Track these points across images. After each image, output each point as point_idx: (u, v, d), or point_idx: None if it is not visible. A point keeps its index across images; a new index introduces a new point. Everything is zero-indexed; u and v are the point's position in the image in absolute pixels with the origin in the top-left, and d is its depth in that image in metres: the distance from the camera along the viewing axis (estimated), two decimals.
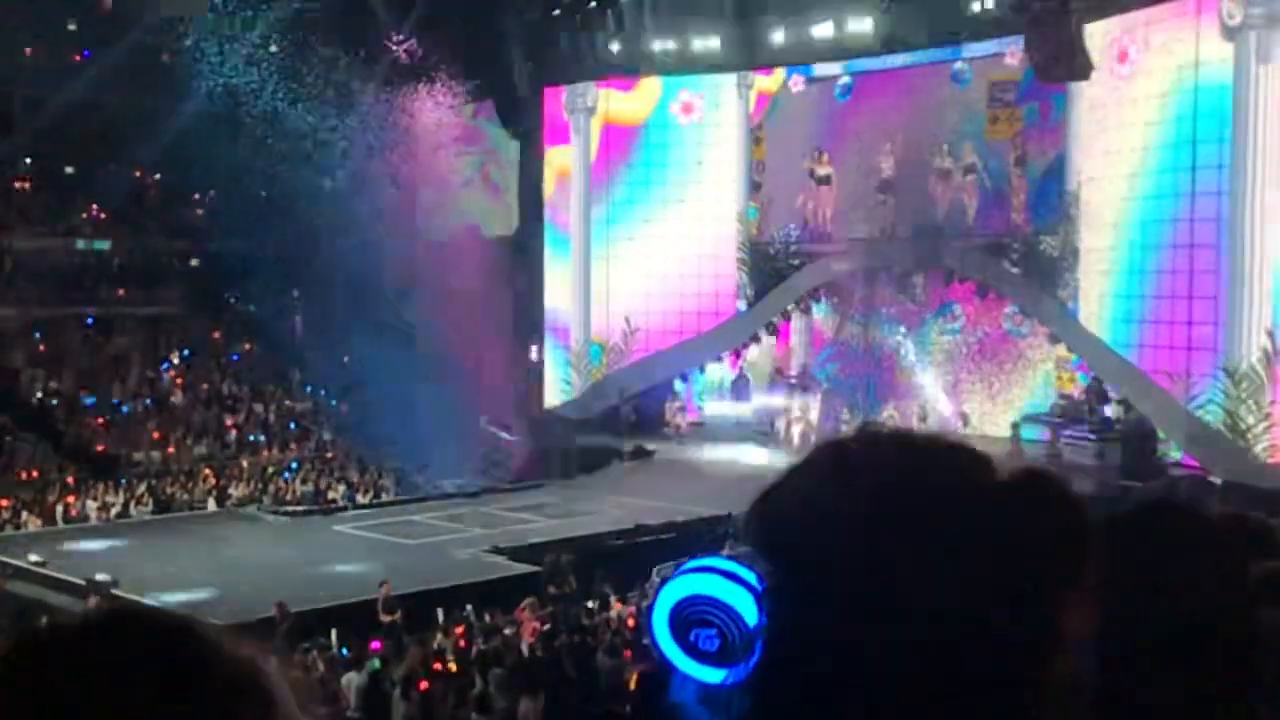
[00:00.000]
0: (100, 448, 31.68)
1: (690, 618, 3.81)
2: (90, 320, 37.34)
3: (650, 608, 4.07)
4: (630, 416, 32.66)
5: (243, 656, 0.99)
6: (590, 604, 18.12)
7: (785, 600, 1.13)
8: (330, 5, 34.19)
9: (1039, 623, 1.09)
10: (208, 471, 30.97)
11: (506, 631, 16.45)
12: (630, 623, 16.25)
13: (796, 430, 31.24)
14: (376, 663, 14.50)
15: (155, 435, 32.75)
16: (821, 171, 32.16)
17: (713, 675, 3.73)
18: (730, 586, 3.71)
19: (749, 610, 3.58)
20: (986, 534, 1.09)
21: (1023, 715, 1.08)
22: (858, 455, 1.15)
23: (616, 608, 17.75)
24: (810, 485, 1.15)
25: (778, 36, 31.74)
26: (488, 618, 17.43)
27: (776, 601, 1.14)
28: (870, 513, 1.10)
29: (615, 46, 33.38)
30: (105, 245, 39.28)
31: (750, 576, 3.60)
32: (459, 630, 16.84)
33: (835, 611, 1.09)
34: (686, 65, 33.10)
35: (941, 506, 1.09)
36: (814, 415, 31.26)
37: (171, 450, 32.15)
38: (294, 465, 32.38)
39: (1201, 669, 1.67)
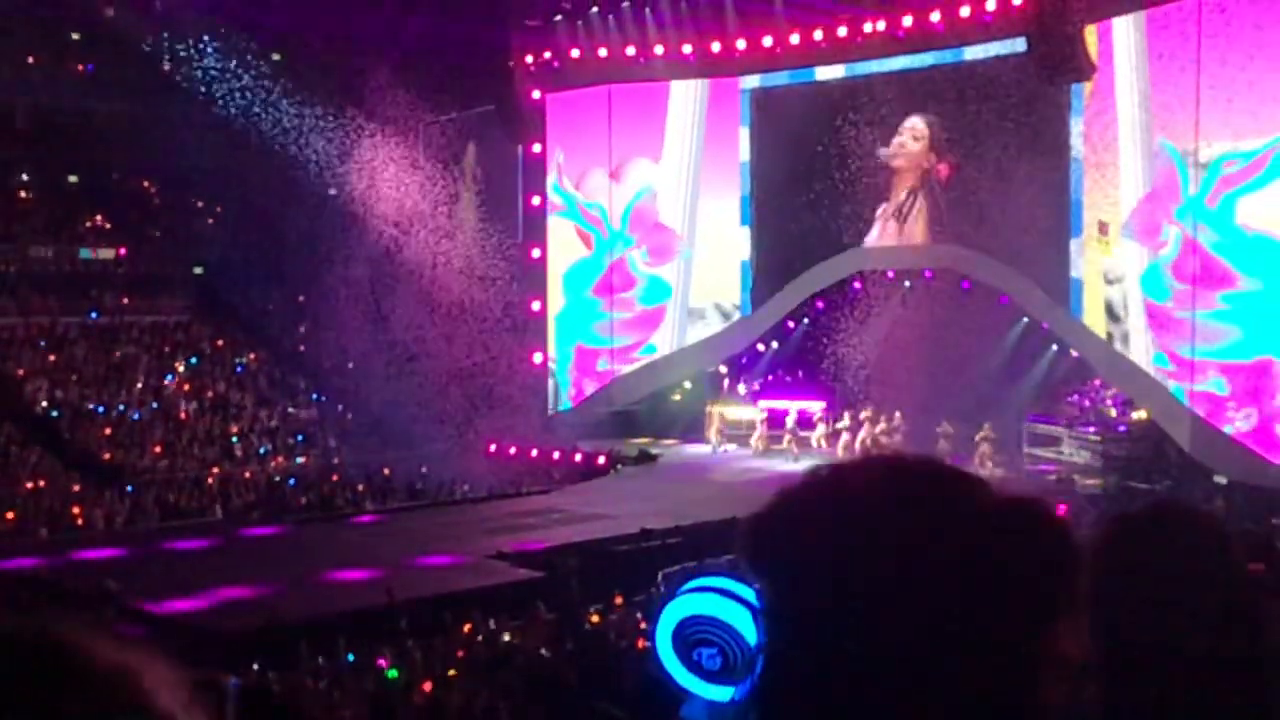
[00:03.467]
0: (106, 456, 31.70)
1: (692, 637, 3.87)
2: (95, 329, 37.37)
3: (653, 629, 4.13)
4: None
5: (114, 662, 1.04)
6: (596, 609, 18.11)
7: (780, 618, 1.16)
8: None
9: (1028, 645, 1.11)
10: (210, 477, 31.02)
11: (506, 639, 16.46)
12: (642, 625, 16.24)
13: (757, 435, 31.30)
14: (394, 671, 14.53)
15: (160, 443, 32.78)
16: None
17: (717, 693, 3.79)
18: (729, 605, 3.77)
19: (748, 628, 3.63)
20: (975, 560, 1.11)
21: None
22: (852, 478, 1.18)
23: (621, 612, 17.75)
24: (805, 506, 1.17)
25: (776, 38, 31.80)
26: (493, 623, 17.44)
27: (772, 619, 1.16)
28: (863, 535, 1.12)
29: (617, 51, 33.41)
30: (109, 254, 39.33)
31: (748, 594, 3.65)
32: (465, 636, 16.84)
33: (828, 631, 1.11)
34: (690, 69, 33.14)
35: (932, 531, 1.12)
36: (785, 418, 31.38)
37: (177, 458, 32.19)
38: (299, 464, 32.45)
39: (1213, 665, 1.70)
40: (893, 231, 31.16)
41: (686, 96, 33.37)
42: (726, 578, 3.89)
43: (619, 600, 18.41)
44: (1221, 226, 21.14)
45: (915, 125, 30.45)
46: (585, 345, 33.67)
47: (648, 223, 32.96)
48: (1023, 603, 1.11)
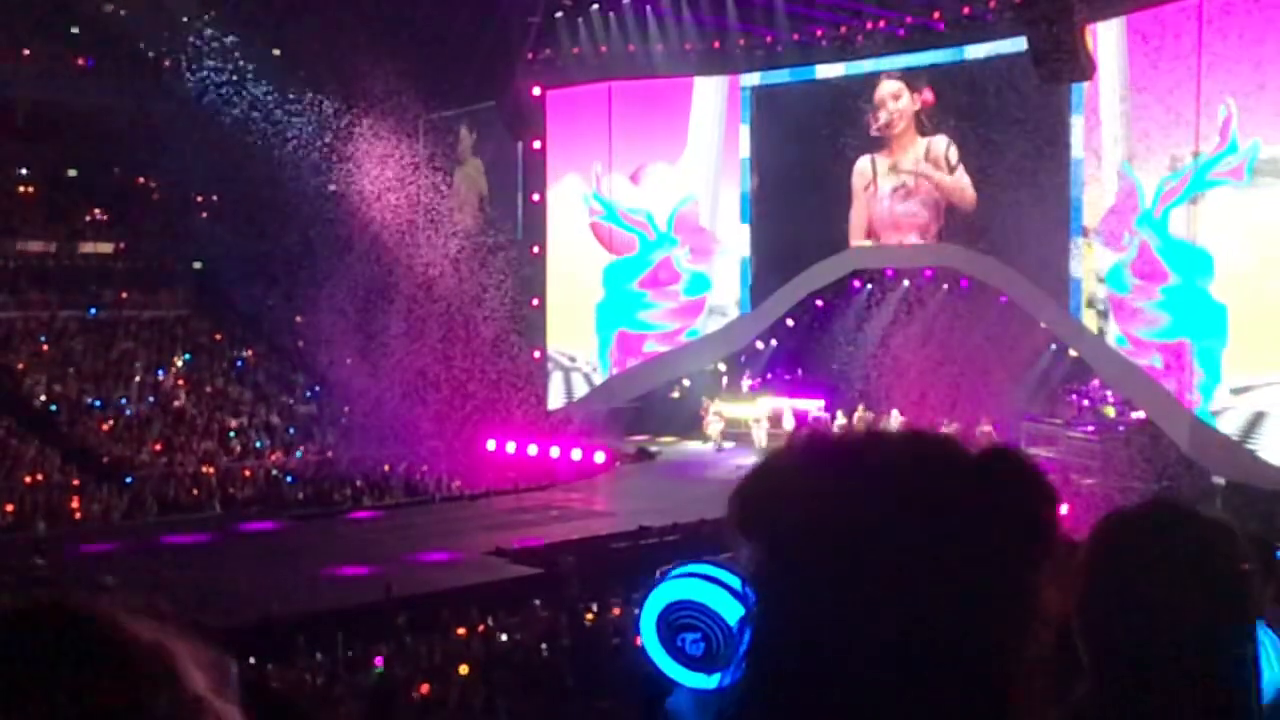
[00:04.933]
0: (104, 450, 31.69)
1: (676, 623, 3.87)
2: (93, 323, 37.37)
3: (637, 614, 4.12)
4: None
5: (148, 641, 1.06)
6: (593, 606, 18.11)
7: (766, 582, 1.15)
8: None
9: (1015, 593, 1.11)
10: (208, 471, 30.99)
11: (504, 637, 16.47)
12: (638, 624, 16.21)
13: (761, 432, 31.37)
14: (381, 668, 14.54)
15: (158, 438, 32.76)
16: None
17: (698, 680, 3.78)
18: (713, 590, 3.77)
19: (732, 613, 3.63)
20: (958, 507, 1.11)
21: (1004, 684, 1.10)
22: (833, 440, 1.19)
23: (619, 610, 17.75)
24: (789, 468, 1.18)
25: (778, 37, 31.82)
26: (491, 620, 17.45)
27: (758, 585, 1.16)
28: (843, 490, 1.12)
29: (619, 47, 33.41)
30: (108, 248, 39.32)
31: (732, 580, 3.66)
32: (463, 633, 16.85)
33: (816, 588, 1.11)
34: (690, 66, 33.14)
35: (913, 481, 1.12)
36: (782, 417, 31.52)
37: (175, 453, 32.17)
38: (298, 459, 32.45)
39: (1207, 667, 1.69)
40: (894, 212, 31.27)
41: (709, 100, 33.63)
42: (711, 564, 3.90)
43: (617, 598, 18.41)
44: (1161, 233, 24.76)
45: (891, 88, 30.51)
46: (629, 331, 34.71)
47: (689, 226, 34.24)
48: (1006, 544, 1.11)
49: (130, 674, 1.04)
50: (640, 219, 34.34)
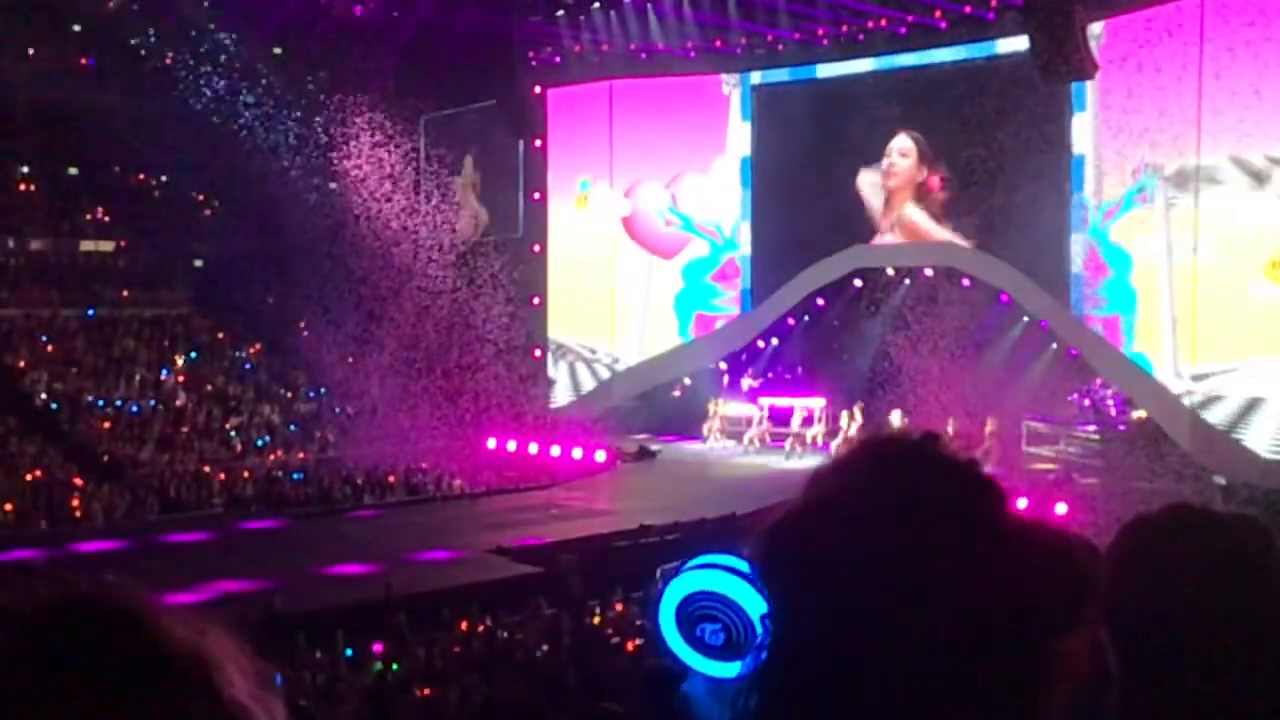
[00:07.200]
0: (105, 449, 31.68)
1: (696, 613, 3.84)
2: (94, 322, 37.34)
3: (656, 605, 4.10)
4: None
5: (190, 646, 1.01)
6: (595, 605, 18.10)
7: (790, 623, 1.15)
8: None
9: (1031, 657, 1.11)
10: (207, 470, 30.96)
11: (504, 635, 16.45)
12: (638, 623, 16.24)
13: (753, 435, 31.44)
14: (379, 665, 14.52)
15: (160, 437, 32.74)
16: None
17: (718, 669, 3.77)
18: (734, 582, 3.75)
19: (752, 604, 3.59)
20: (993, 574, 1.10)
21: (1030, 697, 1.10)
22: (874, 475, 1.16)
23: (620, 609, 17.74)
24: (821, 515, 1.16)
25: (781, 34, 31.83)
26: (491, 619, 17.43)
27: (782, 621, 1.16)
28: (879, 548, 1.11)
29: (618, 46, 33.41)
30: (109, 247, 39.30)
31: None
32: (463, 631, 16.83)
33: (837, 637, 1.11)
34: (691, 65, 33.13)
35: (951, 541, 1.11)
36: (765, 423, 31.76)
37: (176, 451, 32.15)
38: (299, 458, 32.43)
39: (1232, 672, 1.69)
40: (894, 236, 31.47)
41: (738, 107, 33.84)
42: (731, 555, 3.87)
43: (618, 596, 18.39)
44: (1104, 240, 27.99)
45: (903, 144, 30.62)
46: (705, 313, 36.28)
47: (746, 233, 35.34)
48: (1031, 619, 1.11)
49: (165, 683, 0.99)
50: (711, 228, 35.99)
